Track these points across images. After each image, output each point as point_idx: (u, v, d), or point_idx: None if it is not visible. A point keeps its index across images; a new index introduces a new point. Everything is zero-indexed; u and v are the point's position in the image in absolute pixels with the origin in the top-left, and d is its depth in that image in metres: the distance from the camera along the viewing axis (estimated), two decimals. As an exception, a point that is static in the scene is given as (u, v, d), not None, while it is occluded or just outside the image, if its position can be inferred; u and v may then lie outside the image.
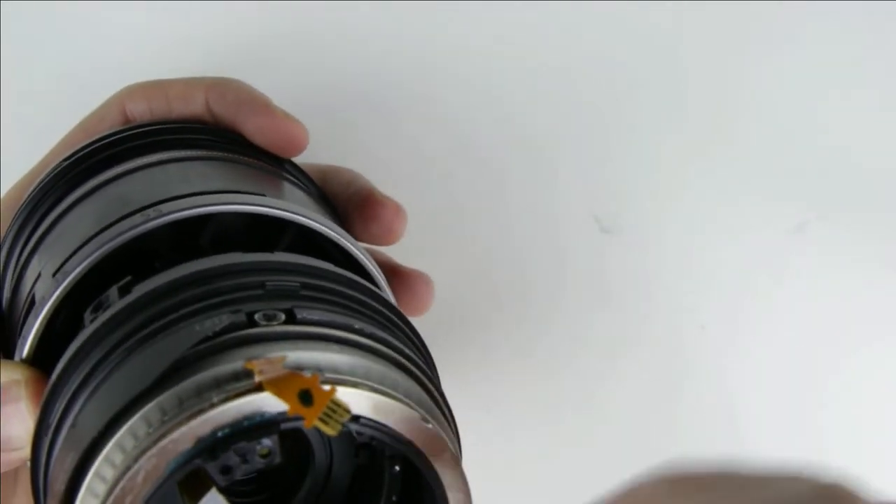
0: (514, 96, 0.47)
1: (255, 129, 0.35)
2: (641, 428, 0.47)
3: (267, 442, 0.24)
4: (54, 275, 0.29)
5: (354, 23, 0.45)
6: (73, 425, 0.25)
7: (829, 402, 0.46)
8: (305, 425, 0.23)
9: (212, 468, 0.24)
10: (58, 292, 0.28)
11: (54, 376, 0.26)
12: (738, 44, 0.46)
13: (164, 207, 0.29)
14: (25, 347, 0.28)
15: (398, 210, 0.37)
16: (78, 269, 0.28)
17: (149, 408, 0.24)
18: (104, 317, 0.26)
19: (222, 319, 0.25)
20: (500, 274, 0.47)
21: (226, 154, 0.34)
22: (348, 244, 0.31)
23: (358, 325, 0.26)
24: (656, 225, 0.47)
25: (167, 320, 0.25)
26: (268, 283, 0.26)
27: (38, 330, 0.28)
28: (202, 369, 0.24)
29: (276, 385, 0.23)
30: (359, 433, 0.24)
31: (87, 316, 0.27)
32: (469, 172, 0.47)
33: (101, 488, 0.24)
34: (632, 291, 0.47)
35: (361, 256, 0.31)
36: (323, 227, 0.30)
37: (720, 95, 0.46)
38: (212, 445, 0.23)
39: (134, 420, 0.24)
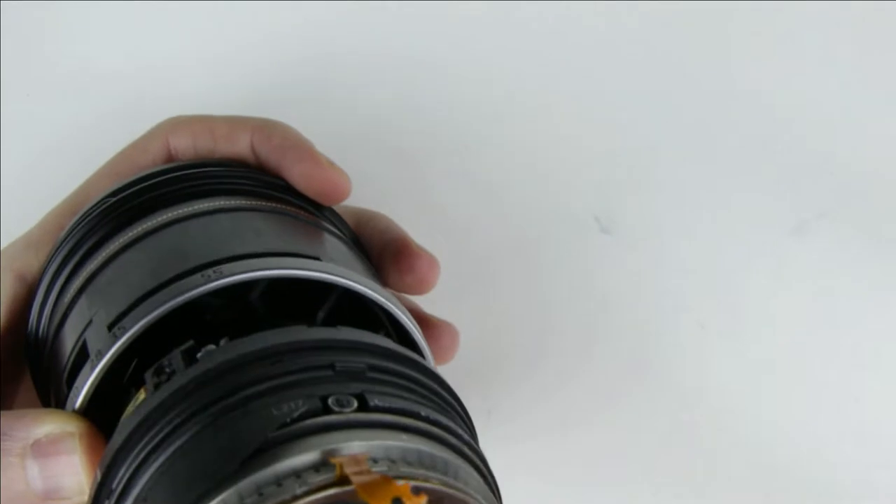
0: (515, 97, 0.46)
1: (299, 175, 0.35)
2: (641, 426, 0.47)
3: None
4: (110, 328, 0.29)
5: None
6: (143, 499, 0.25)
7: (828, 402, 0.47)
8: None
9: None
10: (115, 348, 0.28)
11: (119, 440, 0.26)
12: (738, 43, 0.46)
13: (225, 269, 0.29)
14: (78, 399, 0.29)
15: (433, 263, 0.37)
16: (137, 327, 0.28)
17: (228, 493, 0.23)
18: (171, 386, 0.26)
19: (298, 404, 0.25)
20: (500, 274, 0.47)
21: (271, 204, 0.35)
22: (397, 311, 0.31)
23: (424, 411, 0.26)
24: (656, 225, 0.47)
25: (238, 398, 0.25)
26: (337, 364, 0.26)
27: (92, 383, 0.28)
28: (281, 458, 0.24)
29: (371, 491, 0.23)
30: None
31: (149, 379, 0.27)
32: (468, 172, 0.47)
33: None
34: (632, 291, 0.47)
35: (409, 323, 0.32)
36: (375, 295, 0.31)
37: (720, 95, 0.46)
38: None
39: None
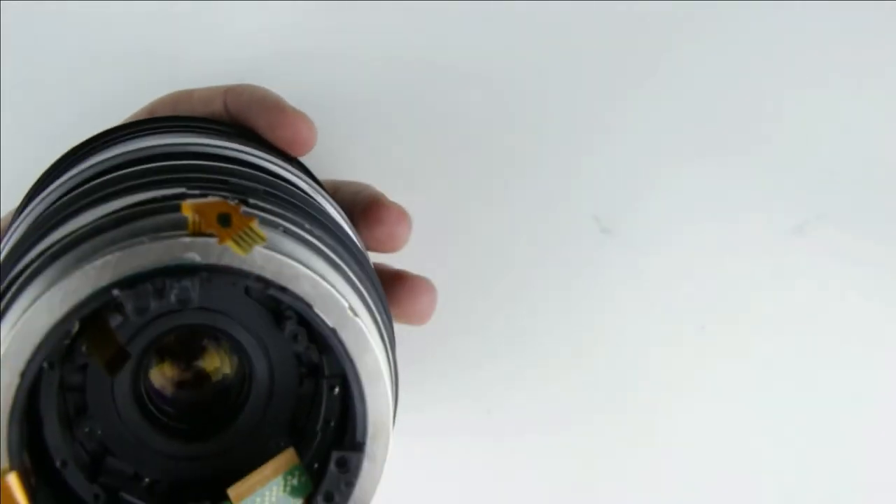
0: (515, 96, 0.47)
1: (265, 124, 0.35)
2: (640, 425, 0.47)
3: (186, 283, 0.24)
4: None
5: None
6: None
7: (828, 401, 0.46)
8: (218, 242, 0.24)
9: (126, 298, 0.24)
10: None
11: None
12: (738, 43, 0.47)
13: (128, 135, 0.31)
14: None
15: (402, 214, 0.37)
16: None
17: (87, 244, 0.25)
18: (69, 174, 0.28)
19: (176, 189, 0.26)
20: (500, 274, 0.47)
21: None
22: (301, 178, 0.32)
23: (308, 226, 0.27)
24: (656, 225, 0.47)
25: (129, 185, 0.27)
26: (233, 180, 0.27)
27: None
28: (142, 220, 0.25)
29: (199, 208, 0.24)
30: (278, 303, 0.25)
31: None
32: (469, 172, 0.47)
33: (24, 303, 0.24)
34: (632, 291, 0.47)
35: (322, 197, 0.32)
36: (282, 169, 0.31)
37: (720, 95, 0.46)
38: (132, 277, 0.24)
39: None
